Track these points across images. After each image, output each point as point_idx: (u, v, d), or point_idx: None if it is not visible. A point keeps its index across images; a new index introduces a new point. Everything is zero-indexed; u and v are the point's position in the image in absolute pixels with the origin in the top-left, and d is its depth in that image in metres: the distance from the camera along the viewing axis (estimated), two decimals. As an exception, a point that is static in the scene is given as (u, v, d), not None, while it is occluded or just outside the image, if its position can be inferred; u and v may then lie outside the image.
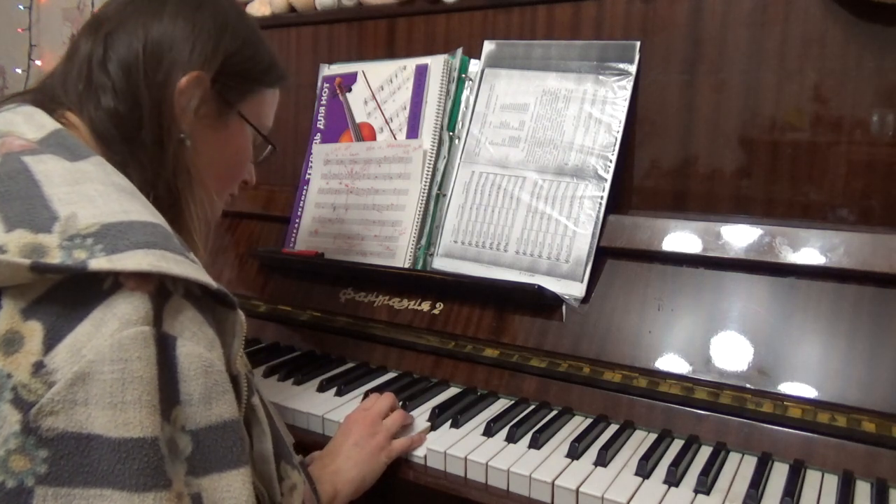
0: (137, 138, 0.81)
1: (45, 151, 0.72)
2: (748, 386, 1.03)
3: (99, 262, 0.62)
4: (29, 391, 0.60)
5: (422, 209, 1.37)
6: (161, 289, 0.65)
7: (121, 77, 0.81)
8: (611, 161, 1.22)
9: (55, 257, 0.62)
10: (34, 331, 0.61)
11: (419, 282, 1.33)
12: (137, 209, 0.69)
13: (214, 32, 0.86)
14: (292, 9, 1.66)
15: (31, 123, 0.76)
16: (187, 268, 0.66)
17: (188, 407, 0.66)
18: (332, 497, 0.93)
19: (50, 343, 0.61)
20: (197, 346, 0.66)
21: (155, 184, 0.81)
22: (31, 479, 0.60)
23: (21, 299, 0.62)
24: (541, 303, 1.19)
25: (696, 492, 0.92)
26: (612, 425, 1.09)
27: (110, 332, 0.61)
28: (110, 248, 0.63)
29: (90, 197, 0.68)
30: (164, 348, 0.64)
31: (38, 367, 0.60)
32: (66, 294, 0.62)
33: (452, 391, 1.23)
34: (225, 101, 0.88)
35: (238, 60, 0.88)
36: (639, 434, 1.07)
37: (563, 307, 1.18)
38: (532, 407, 1.15)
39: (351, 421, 1.04)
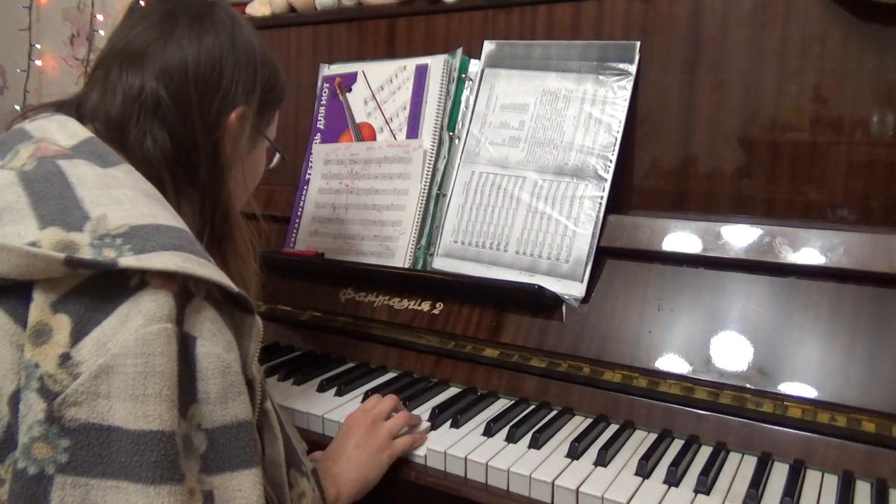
0: (194, 177, 0.84)
1: (78, 157, 0.74)
2: (748, 386, 1.03)
3: (128, 261, 0.64)
4: (55, 381, 0.62)
5: (422, 209, 1.37)
6: (184, 289, 0.67)
7: (177, 119, 0.82)
8: (611, 161, 1.22)
9: (86, 254, 0.65)
10: (62, 323, 0.64)
11: (419, 282, 1.33)
12: (164, 214, 0.72)
13: (251, 66, 0.89)
14: (292, 9, 1.66)
15: (64, 131, 0.79)
16: (210, 271, 0.69)
17: (205, 405, 0.68)
18: (334, 499, 0.93)
19: (77, 336, 0.63)
20: (216, 347, 0.68)
21: (212, 216, 0.86)
22: (52, 467, 0.62)
23: (52, 293, 0.64)
24: (541, 303, 1.19)
25: (696, 492, 0.92)
26: (612, 425, 1.09)
27: (135, 328, 0.63)
28: (138, 248, 0.66)
29: (120, 200, 0.70)
30: (185, 347, 0.67)
31: (65, 359, 0.63)
32: (95, 289, 0.65)
33: (452, 391, 1.23)
34: (257, 129, 0.93)
35: (268, 89, 0.93)
36: (639, 434, 1.07)
37: (563, 307, 1.18)
38: (532, 407, 1.15)
39: (352, 422, 1.05)
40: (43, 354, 0.63)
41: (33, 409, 0.62)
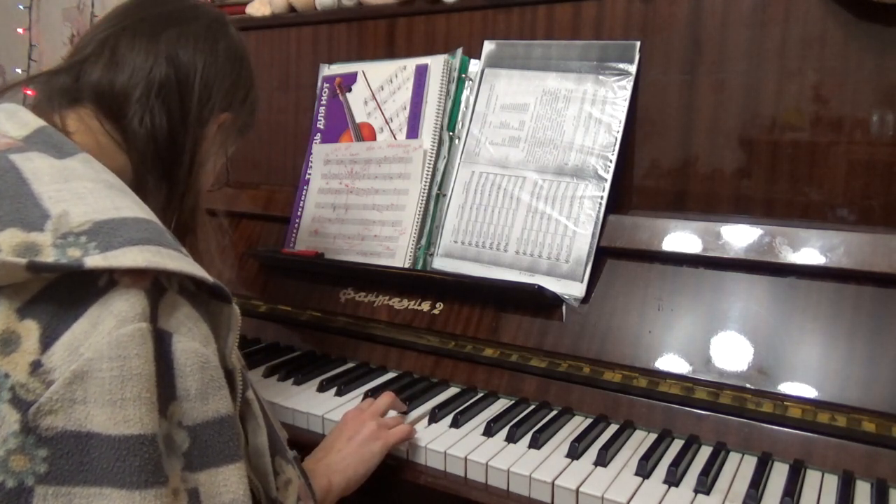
0: (175, 162, 0.85)
1: (32, 149, 0.72)
2: (748, 386, 1.03)
3: (94, 260, 0.62)
4: (27, 391, 0.60)
5: (422, 209, 1.37)
6: (156, 284, 0.65)
7: (176, 103, 0.85)
8: (611, 161, 1.22)
9: (49, 256, 0.62)
10: (30, 330, 0.61)
11: (419, 282, 1.33)
12: (128, 205, 0.69)
13: (247, 84, 0.95)
14: (292, 9, 1.66)
15: (14, 121, 0.76)
16: (182, 263, 0.66)
17: (185, 402, 0.66)
18: (326, 490, 0.93)
19: (47, 342, 0.61)
20: (193, 342, 0.66)
21: (181, 207, 0.86)
22: (31, 478, 0.60)
23: (16, 298, 0.62)
24: (541, 303, 1.19)
25: (696, 492, 0.92)
26: (612, 425, 1.09)
27: (108, 330, 0.61)
28: (104, 246, 0.63)
29: (80, 194, 0.67)
30: (161, 344, 0.65)
31: (36, 367, 0.60)
32: (62, 292, 0.62)
33: (452, 391, 1.23)
34: (226, 143, 0.96)
35: (249, 112, 0.98)
36: (639, 434, 1.07)
37: (563, 307, 1.18)
38: (532, 407, 1.15)
39: (347, 417, 1.06)
40: (12, 363, 0.60)
41: (7, 420, 0.60)
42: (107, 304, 0.62)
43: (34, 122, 0.76)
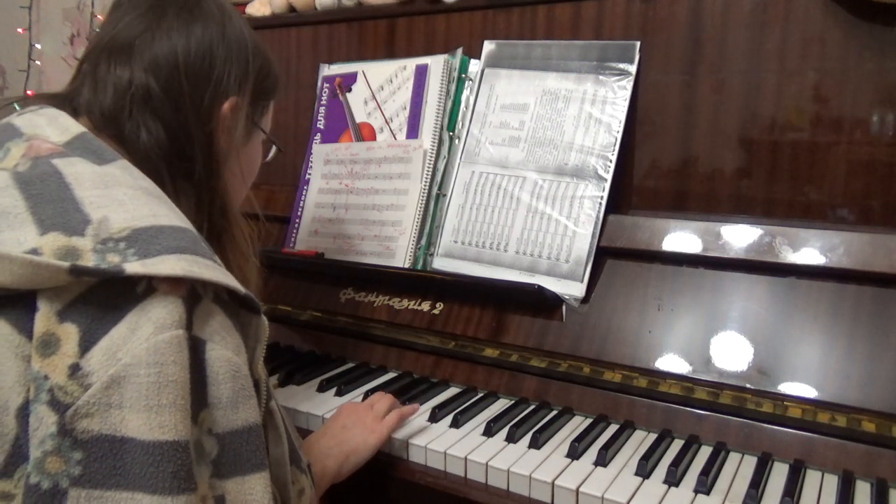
0: (191, 170, 0.83)
1: (73, 154, 0.72)
2: (748, 386, 1.03)
3: (134, 267, 0.63)
4: (65, 393, 0.61)
5: (422, 209, 1.37)
6: (192, 293, 0.66)
7: (169, 110, 0.81)
8: (611, 161, 1.22)
9: (89, 260, 0.63)
10: (70, 333, 0.62)
11: (419, 282, 1.33)
12: (166, 213, 0.70)
13: (243, 56, 0.87)
14: (292, 9, 1.66)
15: (55, 126, 0.77)
16: (217, 273, 0.68)
17: (216, 410, 0.67)
18: (320, 475, 0.94)
19: (85, 345, 0.62)
20: (225, 351, 0.67)
21: (210, 211, 0.84)
22: (66, 480, 0.60)
23: (57, 301, 0.63)
24: (541, 303, 1.19)
25: (696, 492, 0.92)
26: (612, 425, 1.09)
27: (146, 336, 0.62)
28: (143, 253, 0.64)
29: (120, 201, 0.68)
30: (195, 351, 0.66)
31: (75, 370, 0.61)
32: (101, 297, 0.63)
33: (452, 391, 1.23)
34: (251, 120, 0.92)
35: (261, 79, 0.91)
36: (639, 434, 1.07)
37: (563, 307, 1.18)
38: (532, 407, 1.15)
39: (343, 408, 1.07)
40: (52, 366, 0.61)
41: (44, 422, 0.61)
42: (145, 310, 0.63)
43: (74, 127, 0.77)
